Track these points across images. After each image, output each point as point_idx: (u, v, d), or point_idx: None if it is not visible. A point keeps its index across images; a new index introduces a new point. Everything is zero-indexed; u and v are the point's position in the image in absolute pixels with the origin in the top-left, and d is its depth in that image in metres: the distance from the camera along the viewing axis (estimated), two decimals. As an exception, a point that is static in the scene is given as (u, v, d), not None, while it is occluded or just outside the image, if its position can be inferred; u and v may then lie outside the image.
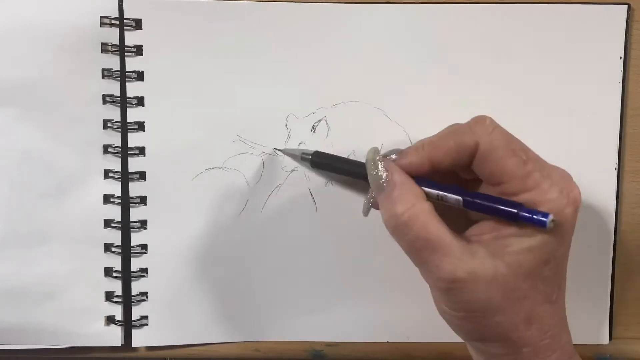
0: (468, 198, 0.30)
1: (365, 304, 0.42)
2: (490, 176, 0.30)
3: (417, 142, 0.32)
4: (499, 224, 0.30)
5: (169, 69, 0.40)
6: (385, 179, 0.31)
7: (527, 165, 0.29)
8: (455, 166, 0.31)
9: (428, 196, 0.31)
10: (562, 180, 0.30)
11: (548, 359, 0.30)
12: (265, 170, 0.41)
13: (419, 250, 0.29)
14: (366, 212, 0.34)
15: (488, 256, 0.29)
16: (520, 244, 0.29)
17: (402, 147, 0.41)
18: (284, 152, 0.36)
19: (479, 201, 0.30)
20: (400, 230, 0.30)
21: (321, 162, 0.34)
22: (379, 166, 0.31)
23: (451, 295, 0.29)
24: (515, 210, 0.28)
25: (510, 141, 0.30)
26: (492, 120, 0.30)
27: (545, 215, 0.28)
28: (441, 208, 0.30)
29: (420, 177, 0.31)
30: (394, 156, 0.32)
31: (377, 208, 0.33)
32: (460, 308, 0.30)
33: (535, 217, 0.28)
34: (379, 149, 0.32)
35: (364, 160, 0.33)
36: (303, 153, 0.35)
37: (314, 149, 0.39)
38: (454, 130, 0.31)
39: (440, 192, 0.31)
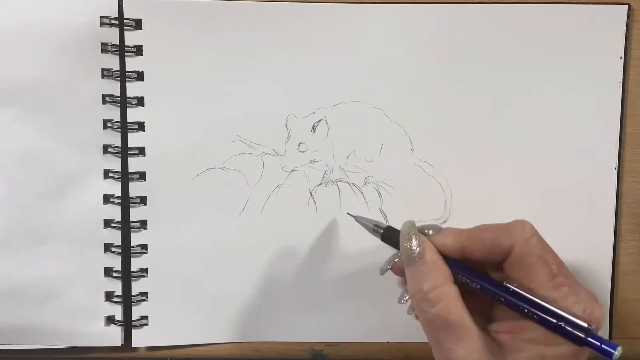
0: (514, 300, 0.30)
1: (365, 304, 0.42)
2: (519, 279, 0.30)
3: (455, 228, 0.32)
4: (520, 324, 0.30)
5: (169, 69, 0.40)
6: (417, 253, 0.31)
7: (557, 278, 0.30)
8: (485, 261, 0.32)
9: (456, 278, 0.31)
10: (588, 299, 0.30)
11: None
12: (265, 170, 0.41)
13: (436, 329, 0.30)
14: (383, 272, 0.35)
15: (502, 354, 0.29)
16: (536, 350, 0.29)
17: (403, 145, 0.41)
18: (357, 219, 0.37)
19: (533, 299, 0.30)
20: (423, 306, 0.31)
21: (391, 237, 0.35)
22: (413, 240, 0.32)
23: None
24: (583, 336, 0.28)
25: (545, 251, 0.30)
26: (531, 227, 0.31)
27: (614, 346, 0.28)
28: (465, 289, 0.31)
29: (455, 261, 0.32)
30: (430, 232, 0.32)
31: (396, 274, 0.34)
32: None
33: (604, 346, 0.28)
34: (415, 223, 0.33)
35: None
36: (375, 225, 0.36)
37: (365, 215, 0.39)
38: (492, 227, 0.32)
39: (474, 280, 0.31)
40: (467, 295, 0.31)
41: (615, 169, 0.41)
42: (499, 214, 0.41)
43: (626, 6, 0.40)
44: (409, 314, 0.35)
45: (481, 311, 0.32)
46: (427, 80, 0.41)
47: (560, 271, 0.30)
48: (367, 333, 0.42)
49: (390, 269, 0.35)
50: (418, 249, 0.31)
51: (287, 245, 0.41)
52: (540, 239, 0.31)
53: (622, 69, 0.41)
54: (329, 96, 0.41)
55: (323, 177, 0.41)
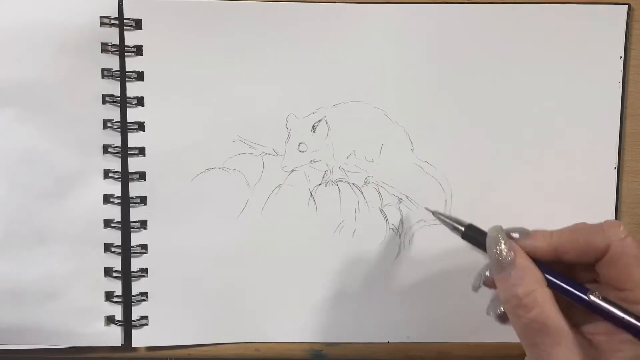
0: (604, 305, 0.30)
1: (365, 304, 0.42)
2: (615, 280, 0.30)
3: (543, 230, 0.32)
4: (615, 326, 0.30)
5: (169, 69, 0.40)
6: (508, 259, 0.31)
7: None
8: (577, 262, 0.31)
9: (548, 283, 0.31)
10: None
11: None
12: (265, 170, 0.41)
13: (533, 333, 0.30)
14: (476, 289, 0.34)
15: (598, 356, 0.29)
16: (634, 350, 0.29)
17: (403, 145, 0.41)
18: (435, 214, 0.36)
19: (617, 313, 0.29)
20: (518, 312, 0.30)
21: (472, 236, 0.34)
22: (503, 245, 0.31)
23: None
24: None
25: None
26: (624, 227, 0.31)
27: None
28: (556, 295, 0.31)
29: (542, 263, 0.31)
30: (516, 235, 0.32)
31: (488, 286, 0.33)
32: None
33: None
34: (501, 228, 0.32)
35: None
36: (457, 222, 0.35)
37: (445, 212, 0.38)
38: (584, 227, 0.31)
39: (565, 286, 0.31)
40: (558, 296, 0.30)
41: (615, 169, 0.41)
42: (499, 214, 0.41)
43: (626, 6, 0.40)
44: (488, 314, 0.34)
45: (574, 312, 0.32)
46: (427, 80, 0.41)
47: None
48: (367, 333, 0.42)
49: (484, 283, 0.34)
50: (510, 254, 0.31)
51: (287, 245, 0.41)
52: (635, 239, 0.30)
53: (622, 69, 0.41)
54: (329, 96, 0.41)
55: (323, 177, 0.41)
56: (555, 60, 0.40)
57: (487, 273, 0.33)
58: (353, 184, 0.41)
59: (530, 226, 0.41)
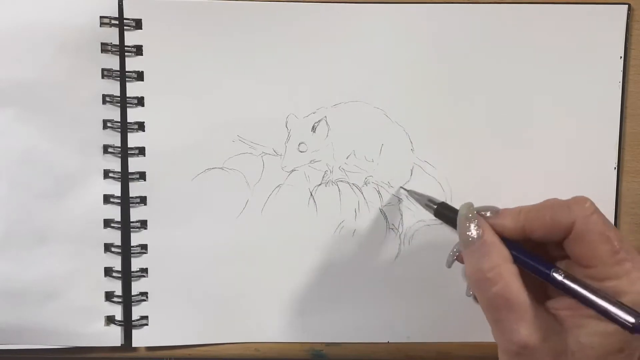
0: (567, 283, 0.30)
1: (365, 304, 0.42)
2: (580, 257, 0.30)
3: (512, 208, 0.32)
4: (580, 303, 0.30)
5: (169, 69, 0.40)
6: (475, 235, 0.31)
7: (619, 254, 0.29)
8: (545, 240, 0.31)
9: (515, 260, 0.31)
10: None
11: None
12: (265, 170, 0.41)
13: (497, 308, 0.30)
14: (450, 264, 0.35)
15: (563, 331, 0.29)
16: (597, 326, 0.29)
17: (403, 145, 0.41)
18: (410, 193, 0.38)
19: (580, 290, 0.30)
20: (482, 285, 0.30)
21: (444, 213, 0.35)
22: (472, 222, 0.32)
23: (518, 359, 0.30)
24: (633, 321, 0.28)
25: (607, 227, 0.30)
26: (591, 203, 0.31)
27: None
28: (523, 271, 0.31)
29: (511, 241, 0.32)
30: (488, 213, 0.32)
31: (461, 262, 0.34)
32: None
33: None
34: (472, 205, 0.33)
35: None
36: (429, 200, 0.36)
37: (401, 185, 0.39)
38: (551, 205, 0.32)
39: (531, 263, 0.31)
40: (523, 272, 0.30)
41: (615, 169, 0.41)
42: (499, 214, 0.41)
43: (626, 6, 0.40)
44: (467, 295, 0.34)
45: (538, 287, 0.32)
46: (427, 80, 0.41)
47: (622, 247, 0.29)
48: (367, 333, 0.42)
49: (456, 259, 0.34)
50: (476, 230, 0.31)
51: (287, 245, 0.41)
52: (601, 216, 0.30)
53: (622, 69, 0.41)
54: (329, 96, 0.41)
55: (323, 177, 0.41)
56: (555, 60, 0.40)
57: (459, 247, 0.33)
58: (353, 184, 0.41)
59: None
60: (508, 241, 0.31)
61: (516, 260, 0.31)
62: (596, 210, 0.31)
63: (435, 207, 0.35)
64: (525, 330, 0.29)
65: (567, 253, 0.31)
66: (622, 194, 0.42)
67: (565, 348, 0.29)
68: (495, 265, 0.30)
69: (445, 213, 0.35)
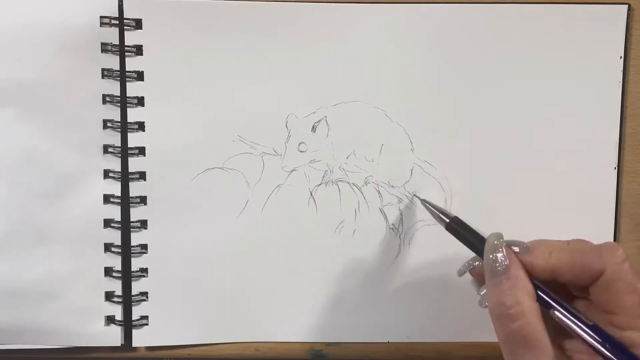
0: (588, 337, 0.30)
1: (366, 304, 0.42)
2: (605, 304, 0.30)
3: (541, 243, 0.32)
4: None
5: (169, 69, 0.40)
6: (502, 267, 0.31)
7: None
8: (571, 282, 0.32)
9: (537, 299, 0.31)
10: None
11: None
12: (265, 170, 0.41)
13: (515, 345, 0.30)
14: (461, 274, 0.35)
15: None
16: None
17: (403, 145, 0.41)
18: (423, 202, 0.37)
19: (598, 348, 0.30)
20: (503, 320, 0.30)
21: (455, 229, 0.35)
22: (500, 253, 0.32)
23: None
24: None
25: (637, 278, 0.30)
26: (623, 251, 0.31)
27: None
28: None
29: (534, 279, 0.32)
30: (516, 248, 0.32)
31: (475, 277, 0.34)
32: None
33: None
34: (502, 237, 0.33)
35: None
36: (442, 213, 0.36)
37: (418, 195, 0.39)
38: (583, 249, 0.31)
39: (558, 310, 0.31)
40: (544, 312, 0.31)
41: (615, 169, 0.41)
42: (499, 214, 0.41)
43: (626, 6, 0.40)
44: (480, 306, 0.34)
45: (557, 326, 0.32)
46: (427, 80, 0.41)
47: None
48: (367, 333, 0.42)
49: (470, 272, 0.35)
50: (505, 262, 0.31)
51: (287, 245, 0.41)
52: (631, 265, 0.30)
53: (622, 69, 0.41)
54: (329, 96, 0.41)
55: (323, 177, 0.41)
56: (555, 60, 0.40)
57: (476, 264, 0.34)
58: (353, 184, 0.41)
59: (530, 226, 0.41)
60: (532, 279, 0.31)
61: (539, 300, 0.31)
62: (627, 259, 0.30)
63: (447, 221, 0.35)
64: None
65: (591, 296, 0.31)
66: (622, 194, 0.42)
67: None
68: (519, 302, 0.30)
69: (456, 229, 0.35)
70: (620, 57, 0.40)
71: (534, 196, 0.41)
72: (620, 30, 0.40)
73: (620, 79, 0.41)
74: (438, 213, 0.36)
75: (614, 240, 0.42)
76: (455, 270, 0.42)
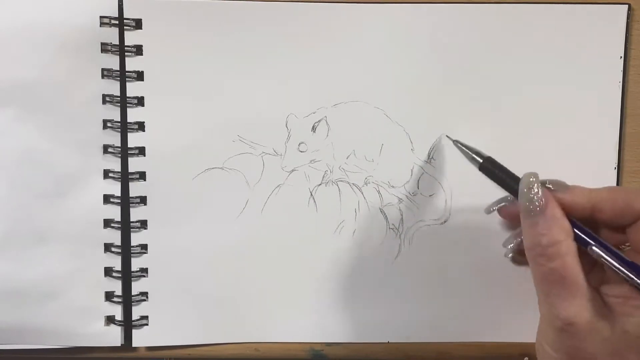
0: (623, 274, 0.30)
1: (365, 304, 0.42)
2: None
3: (582, 186, 0.32)
4: (632, 290, 0.30)
5: (169, 69, 0.40)
6: (538, 207, 0.30)
7: None
8: (610, 222, 0.31)
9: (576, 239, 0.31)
10: None
11: None
12: (265, 170, 0.41)
13: (550, 283, 0.30)
14: (489, 212, 0.34)
15: (611, 317, 0.29)
16: None
17: (403, 145, 0.41)
18: (455, 143, 0.36)
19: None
20: (539, 260, 0.30)
21: (489, 169, 0.34)
22: (535, 191, 0.31)
23: (561, 336, 0.30)
24: None
25: None
26: None
27: None
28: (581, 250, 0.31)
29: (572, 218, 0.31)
30: (551, 186, 0.32)
31: (504, 217, 0.33)
32: (563, 351, 0.30)
33: None
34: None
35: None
36: (476, 153, 0.35)
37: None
38: (625, 189, 0.31)
39: (597, 246, 0.30)
40: (582, 253, 0.30)
41: (615, 169, 0.41)
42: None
43: (626, 6, 0.40)
44: (506, 256, 0.34)
45: (595, 270, 0.32)
46: (427, 80, 0.41)
47: None
48: (367, 333, 0.42)
49: (497, 211, 0.34)
50: (541, 201, 0.30)
51: (287, 245, 0.41)
52: None
53: (622, 69, 0.41)
54: (329, 96, 0.41)
55: (323, 177, 0.41)
56: (555, 60, 0.40)
57: (505, 203, 0.33)
58: (353, 184, 0.41)
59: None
60: (569, 217, 0.31)
61: (577, 238, 0.30)
62: None
63: (481, 161, 0.34)
64: (575, 308, 0.29)
65: (629, 238, 0.31)
66: (622, 194, 0.42)
67: (610, 334, 0.29)
68: (556, 241, 0.30)
69: (490, 169, 0.33)
70: (620, 57, 0.40)
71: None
72: (620, 30, 0.40)
73: (620, 79, 0.41)
74: (471, 154, 0.35)
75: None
76: (455, 269, 0.42)
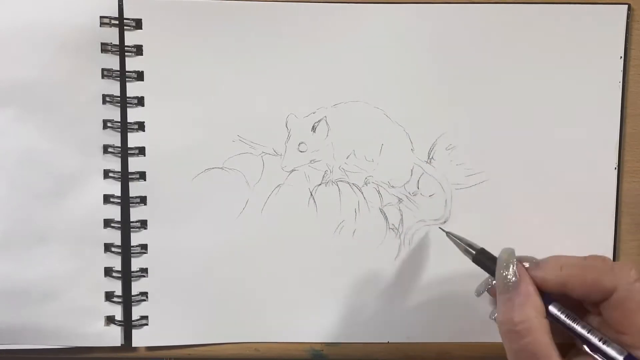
0: (603, 348, 0.30)
1: (365, 304, 0.42)
2: (616, 322, 0.30)
3: (554, 258, 0.32)
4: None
5: (169, 69, 0.40)
6: (512, 283, 0.31)
7: None
8: (582, 298, 0.32)
9: (548, 314, 0.31)
10: None
11: None
12: (265, 170, 0.41)
13: None
14: (479, 294, 0.35)
15: None
16: None
17: (403, 145, 0.41)
18: (448, 235, 0.37)
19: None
20: (511, 336, 0.31)
21: (482, 261, 0.35)
22: (510, 268, 0.32)
23: None
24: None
25: None
26: (636, 271, 0.31)
27: None
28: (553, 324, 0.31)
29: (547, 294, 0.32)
30: (526, 264, 0.32)
31: (492, 295, 0.34)
32: None
33: None
34: (514, 252, 0.33)
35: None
36: (468, 245, 0.36)
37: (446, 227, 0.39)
38: (595, 265, 0.31)
39: (567, 321, 0.31)
40: (560, 332, 0.31)
41: (615, 169, 0.41)
42: (499, 215, 0.41)
43: (626, 6, 0.40)
44: (491, 318, 0.35)
45: (567, 340, 0.32)
46: (427, 80, 0.41)
47: None
48: (367, 333, 0.42)
49: (488, 292, 0.35)
50: (514, 278, 0.31)
51: (287, 245, 0.41)
52: None
53: (622, 69, 0.41)
54: (329, 96, 0.41)
55: (323, 177, 0.41)
56: (555, 60, 0.40)
57: (493, 283, 0.34)
58: (353, 184, 0.41)
59: (530, 226, 0.41)
60: (545, 294, 0.31)
61: (550, 315, 0.31)
62: (639, 279, 0.30)
63: (474, 253, 0.35)
64: None
65: (603, 314, 0.31)
66: (622, 194, 0.42)
67: None
68: (528, 318, 0.30)
69: (483, 261, 0.35)
70: (620, 57, 0.40)
71: (534, 196, 0.41)
72: (620, 30, 0.40)
73: (620, 79, 0.41)
74: (464, 245, 0.36)
75: (614, 240, 0.42)
76: (455, 269, 0.42)
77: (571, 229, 0.41)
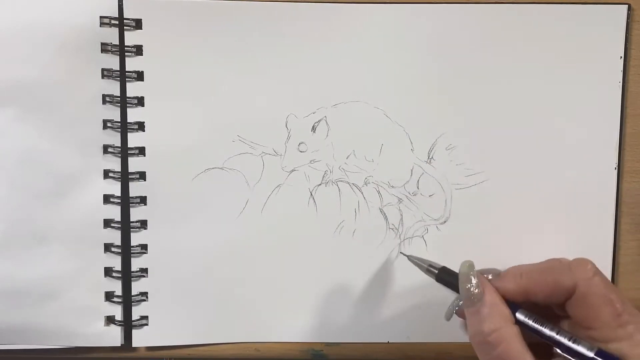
0: (573, 347, 0.30)
1: (365, 304, 0.42)
2: (583, 319, 0.30)
3: (514, 267, 0.32)
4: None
5: (169, 69, 0.40)
6: (477, 295, 0.31)
7: (621, 317, 0.30)
8: (547, 302, 0.32)
9: (517, 320, 0.31)
10: None
11: None
12: (265, 170, 0.41)
13: None
14: (448, 318, 0.35)
15: None
16: None
17: (403, 145, 0.41)
18: (410, 258, 0.38)
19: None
20: (484, 347, 0.31)
21: (445, 278, 0.35)
22: (473, 281, 0.32)
23: None
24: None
25: (609, 289, 0.30)
26: (593, 265, 0.31)
27: None
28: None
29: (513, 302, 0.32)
30: (489, 276, 0.33)
31: (461, 316, 0.34)
32: None
33: None
34: (473, 264, 0.33)
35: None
36: (430, 266, 0.36)
37: (419, 256, 0.38)
38: (553, 267, 0.32)
39: (535, 326, 0.31)
40: (528, 333, 0.31)
41: (615, 169, 0.41)
42: (499, 214, 0.41)
43: (626, 6, 0.40)
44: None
45: (542, 345, 0.32)
46: (428, 80, 0.41)
47: (625, 309, 0.30)
48: (367, 333, 0.42)
49: (456, 313, 0.35)
50: (477, 290, 0.31)
51: (287, 245, 0.41)
52: (603, 278, 0.31)
53: (622, 69, 0.41)
54: (329, 96, 0.41)
55: (323, 177, 0.41)
56: (555, 60, 0.40)
57: (461, 303, 0.34)
58: (353, 184, 0.41)
59: (530, 226, 0.41)
60: (510, 302, 0.32)
61: (519, 321, 0.31)
62: (597, 272, 0.31)
63: (437, 272, 0.35)
64: None
65: (570, 314, 0.31)
66: (622, 194, 0.42)
67: None
68: (497, 327, 0.30)
69: (446, 278, 0.35)
70: (620, 57, 0.40)
71: (534, 196, 0.41)
72: (620, 30, 0.40)
73: (620, 79, 0.41)
74: (426, 266, 0.36)
75: (614, 240, 0.42)
76: (455, 269, 0.42)
77: (571, 228, 0.41)
